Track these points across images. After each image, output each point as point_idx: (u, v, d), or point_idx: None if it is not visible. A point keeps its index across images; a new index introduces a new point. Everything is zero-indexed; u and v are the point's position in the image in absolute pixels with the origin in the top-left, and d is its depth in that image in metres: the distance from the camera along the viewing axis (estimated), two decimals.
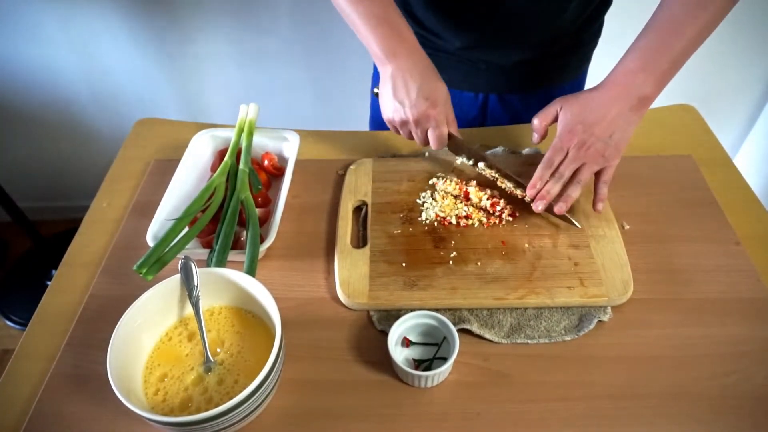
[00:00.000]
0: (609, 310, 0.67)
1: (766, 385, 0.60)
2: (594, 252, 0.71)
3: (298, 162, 0.84)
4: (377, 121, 1.08)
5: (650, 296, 0.69)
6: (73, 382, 0.63)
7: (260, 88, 1.63)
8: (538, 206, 0.72)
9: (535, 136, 0.76)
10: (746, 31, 1.50)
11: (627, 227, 0.77)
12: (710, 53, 1.55)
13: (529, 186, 0.73)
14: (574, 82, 1.01)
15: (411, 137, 0.78)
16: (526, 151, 0.88)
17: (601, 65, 0.92)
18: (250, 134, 0.86)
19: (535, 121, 0.76)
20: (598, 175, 0.73)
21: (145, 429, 0.58)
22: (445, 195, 0.79)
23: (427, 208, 0.78)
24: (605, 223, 0.75)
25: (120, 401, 0.51)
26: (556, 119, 0.75)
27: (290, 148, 0.86)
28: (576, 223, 0.74)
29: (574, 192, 0.71)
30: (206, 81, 1.62)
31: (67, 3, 1.42)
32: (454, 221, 0.76)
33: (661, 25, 0.71)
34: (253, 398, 0.53)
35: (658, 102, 1.00)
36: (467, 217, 0.76)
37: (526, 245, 0.73)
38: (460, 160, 0.81)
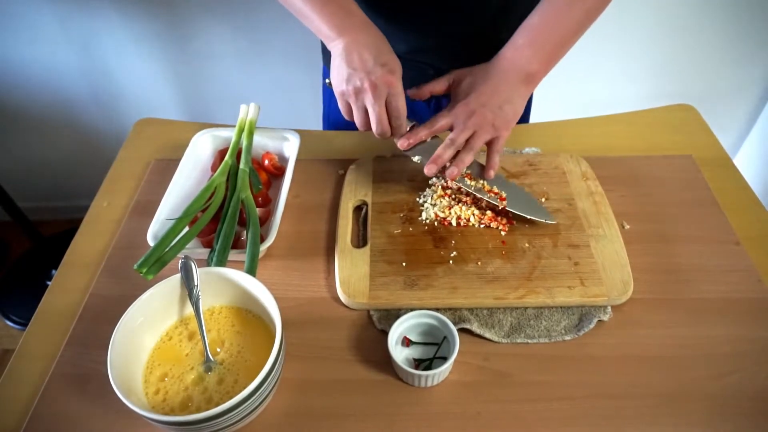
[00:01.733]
0: (609, 309, 0.67)
1: (766, 385, 0.60)
2: (594, 252, 0.71)
3: (298, 162, 0.84)
4: (331, 120, 1.06)
5: (650, 296, 0.69)
6: (73, 381, 0.63)
7: (260, 88, 1.63)
8: (432, 170, 0.71)
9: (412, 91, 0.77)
10: (746, 31, 1.50)
11: (627, 227, 0.77)
12: (710, 53, 1.56)
13: (403, 137, 0.73)
14: None
15: (364, 117, 0.70)
16: (525, 150, 0.88)
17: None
18: (251, 134, 0.86)
19: (416, 89, 0.77)
20: (489, 144, 0.74)
21: (145, 429, 0.58)
22: (443, 194, 0.79)
23: (427, 207, 0.78)
24: (605, 223, 0.75)
25: (120, 401, 0.51)
26: (446, 90, 0.77)
27: (290, 147, 0.86)
28: (547, 219, 0.75)
29: (466, 157, 0.72)
30: (206, 81, 1.62)
31: (67, 3, 1.42)
32: (454, 222, 0.76)
33: (551, 5, 0.74)
34: (253, 398, 0.53)
35: (658, 102, 1.00)
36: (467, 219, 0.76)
37: (526, 245, 0.73)
38: (417, 158, 0.76)
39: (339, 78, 0.70)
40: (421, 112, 0.99)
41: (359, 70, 0.67)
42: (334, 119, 1.06)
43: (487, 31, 0.87)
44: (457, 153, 0.73)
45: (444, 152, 0.71)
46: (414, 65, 0.90)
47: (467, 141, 0.72)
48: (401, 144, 0.74)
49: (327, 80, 0.76)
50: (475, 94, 0.73)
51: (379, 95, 0.67)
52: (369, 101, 0.68)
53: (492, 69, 0.75)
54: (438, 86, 0.79)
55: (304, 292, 0.71)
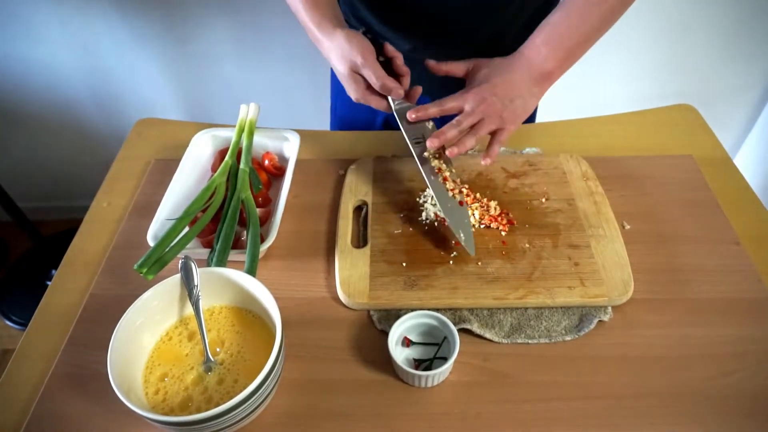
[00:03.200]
0: (609, 309, 0.67)
1: (766, 385, 0.60)
2: (594, 252, 0.71)
3: (298, 162, 0.84)
4: (337, 114, 1.08)
5: (650, 296, 0.69)
6: (73, 382, 0.63)
7: (260, 88, 1.63)
8: (434, 143, 0.72)
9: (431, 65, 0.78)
10: (746, 32, 1.50)
11: (627, 227, 0.77)
12: (710, 53, 1.56)
13: (412, 110, 0.74)
14: None
15: (378, 87, 0.73)
16: (526, 150, 0.88)
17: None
18: (251, 134, 0.86)
19: (436, 63, 0.77)
20: (493, 135, 0.75)
21: (145, 429, 0.58)
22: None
23: (427, 207, 0.78)
24: (605, 223, 0.75)
25: (120, 401, 0.51)
26: (464, 74, 0.78)
27: (291, 147, 0.86)
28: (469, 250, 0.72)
29: (469, 141, 0.72)
30: (206, 81, 1.62)
31: (67, 3, 1.42)
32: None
33: (571, 6, 0.74)
34: (253, 398, 0.53)
35: (658, 102, 1.00)
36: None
37: (527, 245, 0.73)
38: (413, 138, 0.75)
39: (337, 62, 0.73)
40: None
41: (351, 50, 0.70)
42: (341, 114, 1.07)
43: (491, 29, 0.87)
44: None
45: (448, 130, 0.72)
46: (419, 64, 0.90)
47: (472, 126, 0.73)
48: (410, 115, 0.73)
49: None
50: (489, 84, 0.74)
51: (375, 70, 0.71)
52: (371, 72, 0.71)
53: (509, 63, 0.76)
54: (457, 68, 0.79)
55: (304, 292, 0.71)
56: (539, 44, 0.75)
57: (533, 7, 0.87)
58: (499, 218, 0.76)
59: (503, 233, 0.75)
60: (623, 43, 1.51)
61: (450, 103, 0.73)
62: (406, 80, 0.75)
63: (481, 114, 0.72)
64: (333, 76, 1.08)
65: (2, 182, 1.60)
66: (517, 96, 0.74)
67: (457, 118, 0.73)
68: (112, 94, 1.64)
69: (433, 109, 0.74)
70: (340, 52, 0.72)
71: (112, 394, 0.52)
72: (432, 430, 0.58)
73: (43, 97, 1.63)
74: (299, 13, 0.77)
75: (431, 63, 0.80)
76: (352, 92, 0.74)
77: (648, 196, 0.81)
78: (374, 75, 0.71)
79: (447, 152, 0.71)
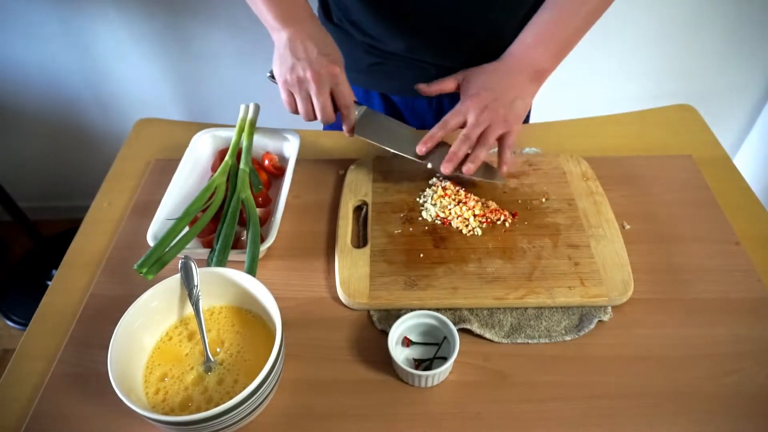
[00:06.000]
0: (609, 309, 0.67)
1: (766, 385, 0.60)
2: (594, 252, 0.71)
3: (298, 162, 0.84)
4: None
5: (650, 296, 0.69)
6: (73, 381, 0.63)
7: (260, 88, 1.62)
8: (448, 168, 0.73)
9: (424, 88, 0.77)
10: (746, 31, 1.50)
11: (627, 227, 0.77)
12: (710, 53, 1.56)
13: (420, 143, 0.74)
14: None
15: (308, 107, 0.71)
16: (526, 150, 0.88)
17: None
18: (251, 134, 0.86)
19: (426, 86, 0.77)
20: (501, 140, 0.75)
21: (145, 429, 0.58)
22: (443, 194, 0.79)
23: (428, 207, 0.78)
24: (605, 223, 0.75)
25: (120, 401, 0.51)
26: (455, 88, 0.78)
27: (291, 147, 0.86)
28: (497, 180, 0.77)
29: (481, 153, 0.73)
30: (206, 81, 1.62)
31: (68, 3, 1.42)
32: (454, 225, 0.76)
33: (558, 3, 0.75)
34: (253, 398, 0.53)
35: (658, 102, 1.00)
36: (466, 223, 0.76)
37: (527, 245, 0.73)
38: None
39: (283, 68, 0.70)
40: (422, 110, 0.99)
41: (302, 60, 0.68)
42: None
43: (488, 27, 0.87)
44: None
45: (459, 149, 0.72)
46: (415, 65, 0.90)
47: (479, 136, 0.73)
48: (419, 149, 0.74)
49: (269, 73, 0.75)
50: (487, 90, 0.74)
51: (323, 84, 0.69)
52: (312, 90, 0.69)
53: (502, 66, 0.76)
54: (447, 85, 0.79)
55: (304, 292, 0.71)
56: (531, 44, 0.76)
57: (529, 5, 0.87)
58: (503, 209, 0.76)
59: (507, 224, 0.75)
60: (623, 44, 1.51)
61: (453, 120, 0.74)
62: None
63: (486, 122, 0.72)
64: None
65: (2, 182, 1.60)
66: (516, 97, 0.74)
67: (463, 132, 0.73)
68: (112, 94, 1.64)
69: (439, 133, 0.74)
70: (319, 47, 0.69)
71: (112, 394, 0.52)
72: (432, 429, 0.58)
73: (43, 97, 1.63)
74: None
75: (421, 87, 0.80)
76: (306, 103, 0.71)
77: (648, 196, 0.81)
78: (347, 96, 0.70)
79: (464, 170, 0.72)
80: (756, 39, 1.52)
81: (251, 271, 0.67)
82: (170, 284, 0.62)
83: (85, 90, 1.63)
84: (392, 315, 0.66)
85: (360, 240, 0.77)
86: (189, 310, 0.64)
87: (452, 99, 0.96)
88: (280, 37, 0.71)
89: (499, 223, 0.75)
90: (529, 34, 0.76)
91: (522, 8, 0.86)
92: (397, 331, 0.63)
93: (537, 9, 0.87)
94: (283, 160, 0.89)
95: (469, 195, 0.78)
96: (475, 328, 0.65)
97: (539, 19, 0.76)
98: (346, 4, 0.88)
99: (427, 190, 0.81)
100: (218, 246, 0.71)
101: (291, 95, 0.72)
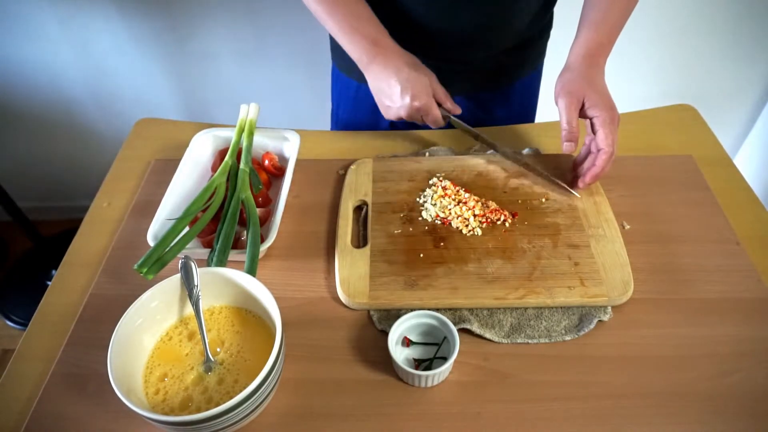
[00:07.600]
0: (609, 309, 0.67)
1: (766, 385, 0.60)
2: (594, 252, 0.71)
3: (298, 162, 0.84)
4: (339, 119, 1.09)
5: (650, 296, 0.69)
6: (73, 382, 0.63)
7: (260, 88, 1.63)
8: (572, 146, 0.75)
9: (570, 146, 0.76)
10: (746, 31, 1.50)
11: (627, 227, 0.77)
12: (710, 53, 1.56)
13: (569, 142, 0.75)
14: (534, 74, 1.05)
15: (426, 121, 0.82)
16: (525, 151, 0.88)
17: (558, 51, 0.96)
18: (251, 134, 0.86)
19: (570, 125, 0.75)
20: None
21: (145, 429, 0.58)
22: (443, 194, 0.79)
23: (428, 207, 0.78)
24: (605, 223, 0.75)
25: (120, 401, 0.51)
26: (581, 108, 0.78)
27: (291, 147, 0.86)
28: (575, 192, 0.79)
29: (600, 162, 0.75)
30: (206, 81, 1.62)
31: (67, 3, 1.42)
32: (454, 225, 0.76)
33: (606, 6, 0.81)
34: (253, 398, 0.53)
35: (658, 102, 1.00)
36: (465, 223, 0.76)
37: (527, 245, 0.73)
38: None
39: (383, 111, 0.82)
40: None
41: (391, 107, 0.80)
42: (343, 117, 1.07)
43: (499, 44, 0.90)
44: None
45: (607, 165, 0.74)
46: (428, 63, 0.91)
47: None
48: (568, 148, 0.75)
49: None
50: (598, 107, 0.74)
51: (417, 119, 0.81)
52: (414, 120, 0.81)
53: (597, 75, 0.78)
54: (577, 118, 0.77)
55: (304, 292, 0.71)
56: (603, 43, 0.79)
57: (538, 27, 0.89)
58: (502, 209, 0.76)
59: (507, 224, 0.75)
60: (623, 44, 1.50)
61: (606, 145, 0.73)
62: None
63: (615, 130, 0.74)
64: (334, 78, 1.08)
65: (2, 182, 1.60)
66: (609, 97, 0.76)
67: (608, 150, 0.73)
68: (112, 94, 1.64)
69: (599, 158, 0.75)
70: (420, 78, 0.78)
71: (112, 394, 0.52)
72: (432, 429, 0.58)
73: (43, 97, 1.63)
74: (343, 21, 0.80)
75: (568, 147, 0.77)
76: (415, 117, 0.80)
77: (648, 196, 0.81)
78: (442, 95, 0.80)
79: (588, 179, 0.76)
80: (756, 39, 1.52)
81: (251, 271, 0.67)
82: (170, 284, 0.62)
83: (84, 90, 1.63)
84: (392, 315, 0.66)
85: (360, 240, 0.77)
86: (189, 310, 0.64)
87: (464, 98, 0.99)
88: (367, 77, 0.81)
89: (499, 223, 0.76)
90: (596, 32, 0.79)
91: (531, 29, 0.90)
92: (397, 331, 0.63)
93: (546, 9, 0.91)
94: (283, 160, 0.89)
95: (469, 195, 0.78)
96: (475, 328, 0.65)
97: (598, 16, 0.80)
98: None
99: (427, 190, 0.81)
100: (218, 246, 0.71)
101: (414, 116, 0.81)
